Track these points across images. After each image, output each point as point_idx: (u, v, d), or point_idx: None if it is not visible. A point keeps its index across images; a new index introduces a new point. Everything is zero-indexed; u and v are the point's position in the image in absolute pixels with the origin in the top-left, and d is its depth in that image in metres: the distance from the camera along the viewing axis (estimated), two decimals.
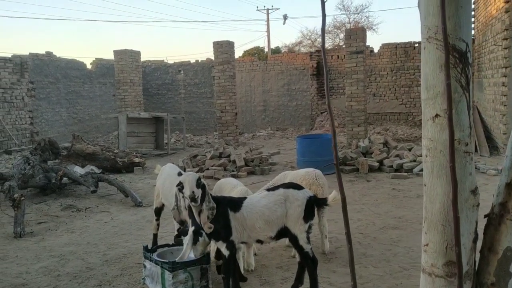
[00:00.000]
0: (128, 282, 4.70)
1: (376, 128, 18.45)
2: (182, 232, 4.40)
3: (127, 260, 5.37)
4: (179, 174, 5.03)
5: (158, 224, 5.55)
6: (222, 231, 3.93)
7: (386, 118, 20.00)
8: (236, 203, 4.09)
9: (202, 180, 3.93)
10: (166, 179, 5.23)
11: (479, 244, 2.70)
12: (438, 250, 2.61)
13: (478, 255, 2.73)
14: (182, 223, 4.26)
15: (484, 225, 2.74)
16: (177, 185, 3.99)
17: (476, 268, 2.67)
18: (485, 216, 2.77)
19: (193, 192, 3.77)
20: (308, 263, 4.15)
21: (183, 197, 3.97)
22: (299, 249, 4.16)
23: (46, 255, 5.66)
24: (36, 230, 6.74)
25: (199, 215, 3.93)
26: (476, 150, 12.13)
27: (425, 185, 2.69)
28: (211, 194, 4.07)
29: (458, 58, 2.54)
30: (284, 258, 5.26)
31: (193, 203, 3.81)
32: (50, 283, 4.75)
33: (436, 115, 2.57)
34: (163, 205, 5.39)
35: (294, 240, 4.16)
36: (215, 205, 3.90)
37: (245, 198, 4.24)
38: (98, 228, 6.83)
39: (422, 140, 2.72)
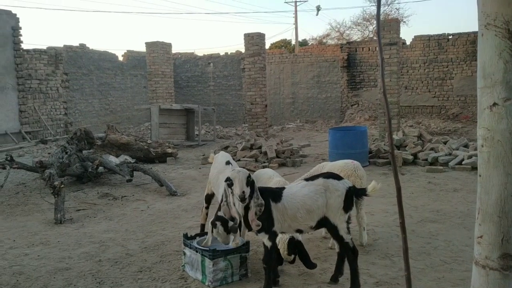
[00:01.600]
0: (168, 268, 4.77)
1: (408, 121, 18.13)
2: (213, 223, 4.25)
3: (165, 247, 5.46)
4: (227, 163, 5.06)
5: (207, 213, 5.54)
6: (264, 222, 3.88)
7: (418, 111, 19.63)
8: (276, 194, 4.04)
9: (251, 177, 3.85)
10: (216, 167, 5.30)
11: None
12: (494, 242, 2.54)
13: None
14: (233, 219, 4.13)
15: None
16: (226, 180, 3.90)
17: None
18: None
19: (243, 192, 3.68)
20: (348, 253, 4.13)
21: (231, 193, 3.88)
22: (339, 239, 4.15)
23: (86, 241, 5.80)
24: (76, 217, 6.92)
25: (244, 211, 3.88)
26: None
27: (480, 176, 2.63)
28: None
29: None
30: (321, 249, 5.24)
31: (242, 202, 3.76)
32: (93, 268, 4.88)
33: (494, 104, 2.50)
34: (213, 193, 5.43)
35: (334, 230, 4.14)
36: (263, 202, 3.80)
37: (283, 188, 4.21)
38: (135, 216, 6.96)
39: (478, 130, 2.65)
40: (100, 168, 9.41)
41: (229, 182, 3.83)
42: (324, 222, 4.13)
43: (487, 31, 2.52)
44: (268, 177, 5.23)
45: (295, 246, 4.47)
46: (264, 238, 3.96)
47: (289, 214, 3.99)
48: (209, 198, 5.54)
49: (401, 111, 17.93)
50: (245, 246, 4.39)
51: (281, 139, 13.09)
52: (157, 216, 6.91)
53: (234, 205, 3.93)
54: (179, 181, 9.29)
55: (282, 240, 4.42)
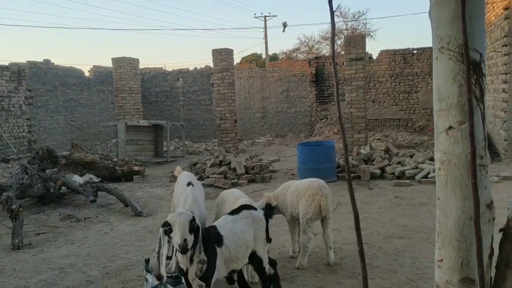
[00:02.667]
0: (125, 281, 4.60)
1: (376, 134, 18.40)
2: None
3: (128, 272, 5.27)
4: (188, 184, 4.97)
5: None
6: (209, 274, 3.36)
7: (386, 124, 19.96)
8: (216, 235, 3.59)
9: (196, 221, 3.21)
10: (178, 187, 5.25)
11: (494, 259, 2.63)
12: (453, 266, 2.52)
13: (493, 270, 2.65)
14: (160, 278, 3.25)
15: (500, 240, 2.67)
16: (163, 226, 3.20)
17: (492, 284, 2.59)
18: (500, 230, 2.69)
19: (184, 240, 3.03)
20: (271, 280, 4.11)
21: (168, 241, 3.16)
22: (262, 271, 4.00)
23: (45, 268, 5.55)
24: (35, 242, 6.63)
25: (185, 266, 3.26)
26: None
27: (438, 199, 2.61)
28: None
29: (472, 69, 2.47)
30: (289, 269, 5.16)
31: (183, 253, 3.10)
32: None
33: (450, 127, 2.50)
34: None
35: (259, 263, 3.96)
36: (206, 259, 3.20)
37: (215, 226, 3.74)
38: (98, 239, 6.72)
39: (435, 153, 2.64)
40: (63, 189, 9.11)
41: (167, 227, 3.15)
42: (251, 257, 3.89)
43: (441, 54, 2.53)
44: (235, 198, 5.13)
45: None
46: None
47: (232, 255, 3.63)
48: None
49: (369, 124, 18.19)
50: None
51: (250, 155, 13.03)
52: (120, 238, 6.69)
53: (169, 257, 3.25)
54: (145, 201, 9.08)
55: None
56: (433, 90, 2.64)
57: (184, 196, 4.81)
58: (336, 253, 5.50)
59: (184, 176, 5.42)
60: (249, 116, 22.18)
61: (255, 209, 4.08)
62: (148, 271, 4.48)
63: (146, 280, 4.50)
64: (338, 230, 6.45)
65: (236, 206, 4.83)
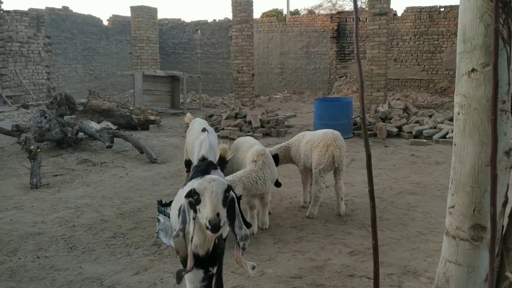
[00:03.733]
0: (142, 235, 4.70)
1: (395, 94, 18.04)
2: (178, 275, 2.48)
3: (141, 214, 5.38)
4: (203, 130, 4.88)
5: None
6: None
7: (407, 85, 19.53)
8: None
9: (231, 191, 2.48)
10: (191, 134, 5.17)
11: (507, 209, 2.58)
12: (465, 212, 2.48)
13: (505, 220, 2.60)
14: (184, 262, 2.54)
15: None
16: (188, 196, 2.43)
17: (503, 232, 2.55)
18: None
19: (217, 214, 2.26)
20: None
21: (193, 218, 2.41)
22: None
23: (61, 206, 5.69)
24: (52, 182, 6.79)
25: (206, 248, 2.58)
26: None
27: (455, 145, 2.54)
28: None
29: (500, 8, 2.33)
30: (299, 218, 5.20)
31: (213, 232, 2.29)
32: (65, 233, 4.78)
33: (473, 70, 2.40)
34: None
35: None
36: (248, 233, 2.54)
37: None
38: (113, 182, 6.84)
39: (455, 97, 2.55)
40: (80, 134, 9.23)
41: (194, 198, 2.37)
42: None
43: None
44: (249, 145, 5.12)
45: None
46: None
47: None
48: (189, 163, 5.41)
49: (389, 84, 17.83)
50: None
51: (266, 109, 12.95)
52: (135, 183, 6.80)
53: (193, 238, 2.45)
54: (160, 149, 9.16)
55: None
56: (457, 31, 2.52)
57: (199, 141, 4.76)
58: (347, 205, 5.51)
59: (198, 122, 5.39)
60: (267, 72, 21.89)
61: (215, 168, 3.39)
62: (160, 212, 4.56)
63: (158, 220, 4.60)
64: (351, 184, 6.45)
65: (249, 154, 4.84)
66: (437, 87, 18.87)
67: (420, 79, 19.34)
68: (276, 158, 5.22)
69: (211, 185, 2.36)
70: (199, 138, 4.83)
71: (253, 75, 15.29)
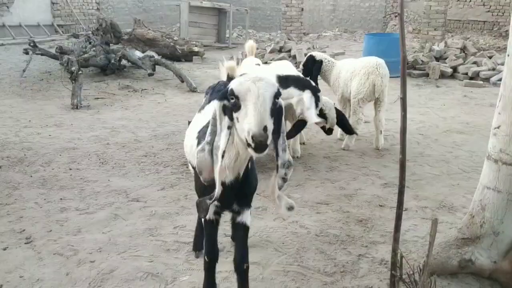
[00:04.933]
0: (172, 155, 4.68)
1: (455, 36, 16.82)
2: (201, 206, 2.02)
3: (174, 137, 5.36)
4: (257, 64, 4.63)
5: None
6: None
7: (468, 27, 18.12)
8: None
9: (280, 97, 1.85)
10: (244, 65, 4.76)
11: None
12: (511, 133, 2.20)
13: None
14: (210, 188, 1.96)
15: None
16: (222, 98, 1.84)
17: None
18: None
19: (264, 127, 1.67)
20: None
21: (228, 128, 1.84)
22: None
23: (99, 126, 5.77)
24: (93, 104, 6.88)
25: (235, 173, 2.02)
26: None
27: (508, 55, 2.22)
28: None
29: None
30: (334, 149, 4.99)
31: (257, 152, 1.70)
32: (99, 149, 4.85)
33: None
34: None
35: None
36: (292, 160, 1.97)
37: None
38: (151, 107, 6.85)
39: None
40: (124, 62, 9.25)
41: (230, 101, 1.80)
42: None
43: None
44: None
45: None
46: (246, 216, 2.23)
47: None
48: None
49: (449, 25, 16.61)
50: None
51: (313, 45, 12.44)
52: (172, 109, 6.77)
53: (224, 154, 1.86)
54: (202, 80, 9.04)
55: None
56: None
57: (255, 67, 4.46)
58: (387, 140, 5.23)
59: (250, 59, 5.08)
60: (318, 9, 20.92)
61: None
62: None
63: None
64: (394, 121, 6.09)
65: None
66: (502, 30, 17.38)
67: (483, 21, 17.86)
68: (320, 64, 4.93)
69: (256, 86, 1.73)
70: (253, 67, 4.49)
71: (302, 9, 14.62)
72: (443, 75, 9.42)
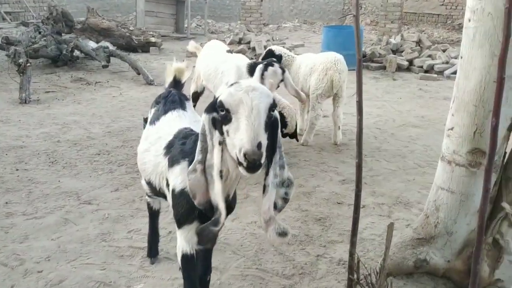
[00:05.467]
0: (128, 153, 4.52)
1: (410, 29, 17.21)
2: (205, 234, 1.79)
3: (130, 133, 5.18)
4: (229, 51, 4.43)
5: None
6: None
7: (423, 20, 18.59)
8: None
9: (275, 109, 1.64)
10: (210, 56, 4.44)
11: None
12: (465, 135, 2.22)
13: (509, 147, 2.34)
14: (209, 209, 1.73)
15: None
16: (210, 110, 1.64)
17: (505, 160, 2.30)
18: None
19: (258, 144, 1.47)
20: None
21: (220, 143, 1.62)
22: None
23: (49, 122, 5.50)
24: (43, 99, 6.56)
25: (225, 192, 1.73)
26: None
27: (461, 58, 2.23)
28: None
29: None
30: (293, 145, 4.96)
31: (250, 171, 1.50)
32: (49, 147, 4.61)
33: None
34: (203, 90, 4.76)
35: None
36: (292, 178, 1.81)
37: None
38: (105, 101, 6.60)
39: (467, 1, 2.19)
40: (77, 53, 8.88)
41: (220, 113, 1.59)
42: None
43: None
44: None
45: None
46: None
47: None
48: (197, 96, 4.86)
49: (405, 18, 16.95)
50: None
51: (273, 37, 12.39)
52: (128, 103, 6.56)
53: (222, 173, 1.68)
54: (159, 72, 8.80)
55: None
56: None
57: (230, 65, 4.05)
58: (345, 134, 5.26)
59: (215, 43, 4.85)
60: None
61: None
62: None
63: None
64: (352, 115, 6.14)
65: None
66: (455, 23, 17.94)
67: (438, 14, 18.38)
68: (279, 59, 4.85)
69: (250, 97, 1.52)
70: (227, 62, 4.20)
71: (261, 0, 14.52)
72: (399, 68, 9.61)
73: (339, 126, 4.94)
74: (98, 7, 17.77)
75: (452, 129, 2.28)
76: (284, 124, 4.25)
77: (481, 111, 2.13)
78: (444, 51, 10.19)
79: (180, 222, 1.87)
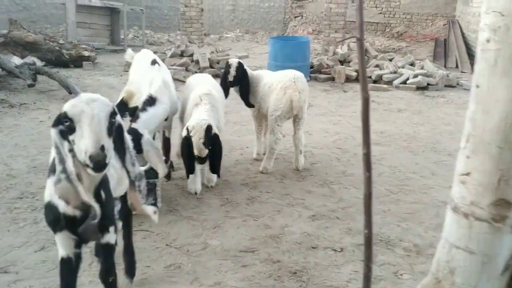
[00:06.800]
0: None
1: (351, 38, 17.29)
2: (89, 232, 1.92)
3: None
4: (154, 62, 3.94)
5: None
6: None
7: (364, 28, 18.81)
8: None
9: (118, 116, 1.90)
10: (137, 68, 4.14)
11: None
12: (487, 183, 1.78)
13: None
14: (85, 208, 1.88)
15: None
16: (56, 124, 1.81)
17: None
18: None
19: (101, 147, 1.70)
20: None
21: (70, 151, 1.79)
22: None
23: None
24: None
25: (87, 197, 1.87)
26: (456, 66, 11.45)
27: (477, 87, 1.79)
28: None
29: None
30: (251, 173, 4.44)
31: (96, 171, 1.73)
32: None
33: None
34: None
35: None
36: (143, 172, 2.22)
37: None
38: (31, 127, 5.75)
39: (483, 18, 1.77)
40: None
41: (64, 125, 1.75)
42: None
43: None
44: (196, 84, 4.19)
45: (212, 139, 3.56)
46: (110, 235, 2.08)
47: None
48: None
49: (345, 26, 16.99)
50: (152, 170, 3.45)
51: (216, 48, 11.87)
52: None
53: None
54: (94, 89, 7.98)
55: (197, 126, 3.52)
56: None
57: (149, 78, 3.77)
58: (305, 157, 4.80)
59: (145, 54, 4.35)
60: (218, 9, 20.38)
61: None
62: None
63: None
64: (309, 133, 5.73)
65: (191, 96, 3.95)
66: (393, 31, 18.29)
67: (377, 23, 18.66)
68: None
69: (90, 107, 1.74)
70: (147, 73, 3.87)
71: (202, 10, 13.93)
72: (347, 79, 9.39)
73: (300, 150, 4.48)
74: (24, 18, 16.45)
75: (468, 174, 1.84)
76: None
77: (508, 154, 1.71)
78: (390, 60, 10.11)
79: (52, 230, 2.00)
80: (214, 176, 3.99)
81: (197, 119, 3.55)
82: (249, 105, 4.38)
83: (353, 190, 4.07)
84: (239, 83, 4.36)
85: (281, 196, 3.90)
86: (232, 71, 4.37)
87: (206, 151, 3.50)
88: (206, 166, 3.89)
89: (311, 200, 3.84)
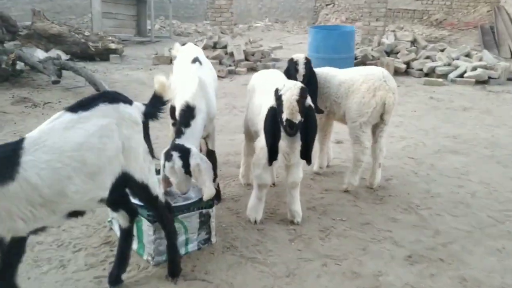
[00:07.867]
0: (88, 224, 3.11)
1: (388, 25, 16.29)
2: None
3: None
4: (195, 60, 3.26)
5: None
6: None
7: (399, 16, 17.74)
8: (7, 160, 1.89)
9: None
10: (178, 64, 3.53)
11: None
12: None
13: None
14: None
15: None
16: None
17: None
18: None
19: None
20: (166, 215, 2.49)
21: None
22: (153, 202, 2.40)
23: None
24: None
25: None
26: (511, 56, 10.41)
27: None
28: None
29: None
30: (315, 192, 3.69)
31: None
32: None
33: None
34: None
35: (143, 192, 2.33)
36: None
37: (21, 141, 1.95)
38: None
39: None
40: (21, 65, 7.31)
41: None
42: (122, 184, 2.25)
43: None
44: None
45: (307, 110, 2.89)
46: None
47: (46, 193, 1.93)
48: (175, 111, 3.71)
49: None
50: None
51: (249, 39, 11.10)
52: None
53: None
54: (123, 85, 7.34)
55: (291, 84, 2.85)
56: None
57: (188, 79, 3.09)
58: None
59: (189, 48, 3.65)
60: None
61: (127, 100, 2.26)
62: None
63: None
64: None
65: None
66: (432, 19, 17.21)
67: (413, 10, 17.59)
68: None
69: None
70: (186, 74, 3.20)
71: None
72: (396, 72, 8.51)
73: (379, 164, 3.70)
74: (48, 9, 15.99)
75: None
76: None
77: None
78: (442, 51, 9.19)
79: None
80: (299, 209, 3.20)
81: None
82: (319, 110, 3.59)
83: (449, 218, 3.28)
84: (308, 83, 3.55)
85: (361, 226, 3.14)
86: (301, 69, 3.58)
87: (299, 116, 2.70)
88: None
89: (399, 232, 3.07)
